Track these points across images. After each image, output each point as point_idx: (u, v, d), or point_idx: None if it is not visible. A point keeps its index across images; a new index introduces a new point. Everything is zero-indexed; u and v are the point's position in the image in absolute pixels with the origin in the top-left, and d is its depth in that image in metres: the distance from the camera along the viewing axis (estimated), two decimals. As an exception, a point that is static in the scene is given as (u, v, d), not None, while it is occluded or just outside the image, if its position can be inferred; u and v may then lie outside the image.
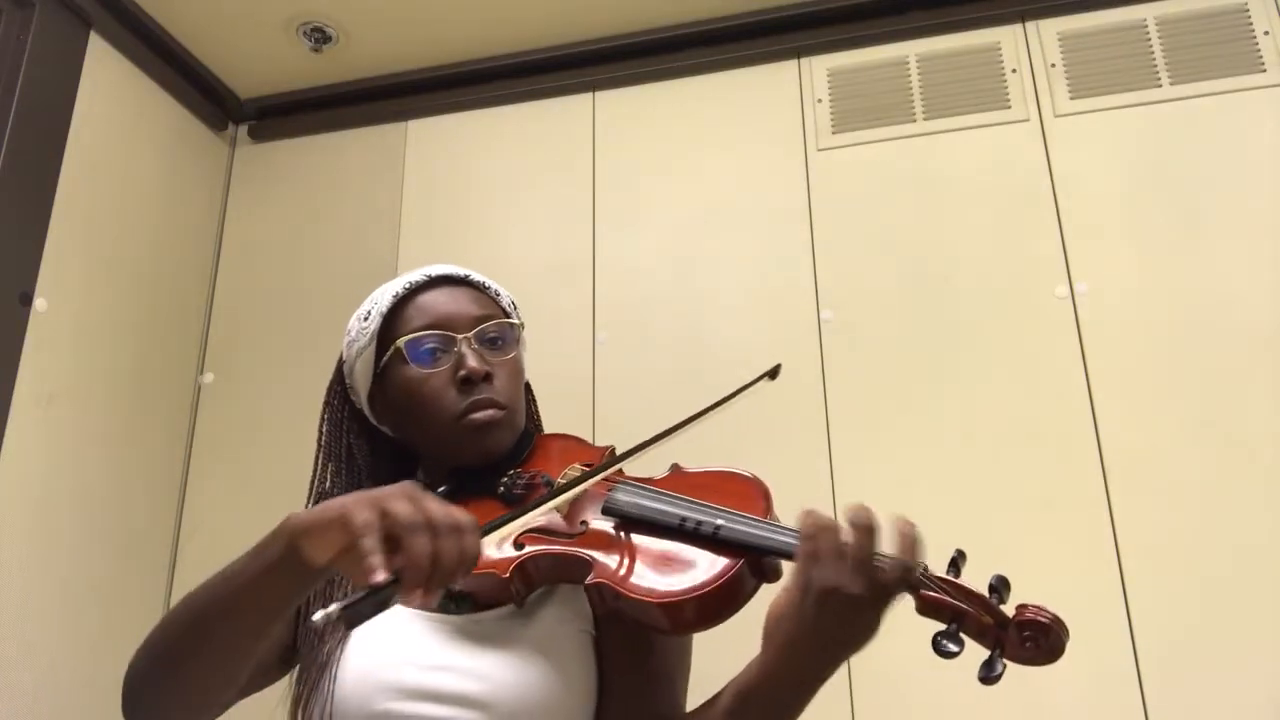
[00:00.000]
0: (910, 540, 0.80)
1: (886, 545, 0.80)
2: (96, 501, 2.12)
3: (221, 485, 2.35)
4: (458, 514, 0.72)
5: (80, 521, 2.07)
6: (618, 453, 0.99)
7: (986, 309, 2.06)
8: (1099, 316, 1.99)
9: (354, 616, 0.65)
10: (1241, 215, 1.98)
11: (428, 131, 2.55)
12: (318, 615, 0.65)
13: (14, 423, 1.92)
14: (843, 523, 0.80)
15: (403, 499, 0.71)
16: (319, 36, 2.45)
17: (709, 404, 1.01)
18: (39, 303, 2.01)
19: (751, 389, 1.03)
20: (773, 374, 1.04)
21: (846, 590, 0.78)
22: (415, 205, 2.48)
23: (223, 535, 2.26)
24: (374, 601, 0.66)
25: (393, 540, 0.69)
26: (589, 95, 2.47)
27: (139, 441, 2.26)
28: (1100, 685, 1.76)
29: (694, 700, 0.99)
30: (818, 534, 0.80)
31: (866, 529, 0.79)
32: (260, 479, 2.29)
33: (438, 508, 0.72)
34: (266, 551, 0.77)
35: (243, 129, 2.70)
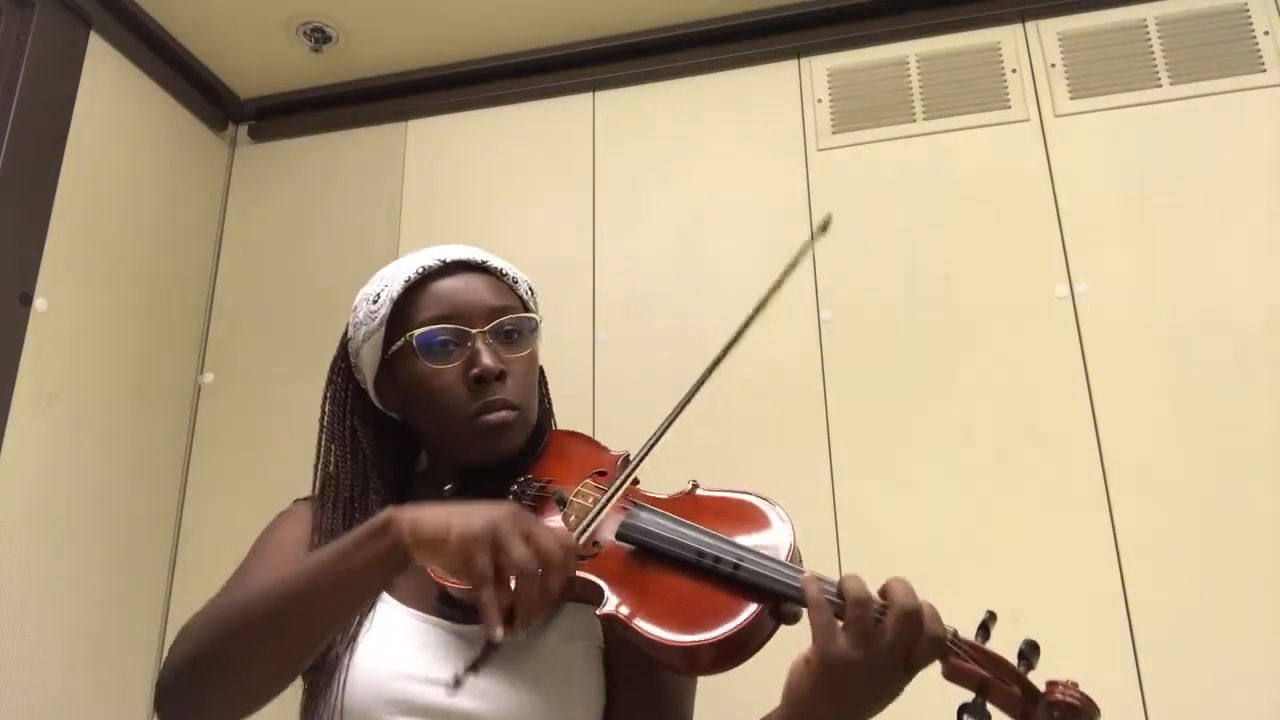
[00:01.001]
0: (935, 618, 0.77)
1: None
2: (96, 502, 2.12)
3: (221, 485, 2.35)
4: (563, 540, 0.74)
5: (80, 521, 2.07)
6: (631, 457, 0.95)
7: (986, 309, 2.06)
8: (1099, 316, 1.99)
9: (480, 667, 0.73)
10: (1241, 215, 1.98)
11: (428, 131, 2.55)
12: (451, 686, 0.74)
13: (14, 423, 1.92)
14: (874, 594, 0.77)
15: (519, 539, 0.72)
16: (319, 36, 2.45)
17: (748, 316, 0.97)
18: (39, 303, 2.01)
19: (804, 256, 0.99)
20: (824, 226, 1.01)
21: (876, 666, 0.76)
22: (415, 205, 2.48)
23: (223, 535, 2.26)
24: (492, 653, 0.73)
25: (504, 574, 0.72)
26: (589, 95, 2.47)
27: (139, 441, 2.26)
28: (1100, 686, 1.75)
29: (701, 709, 0.99)
30: (849, 608, 0.77)
31: (910, 614, 0.76)
32: (260, 479, 2.29)
33: (549, 542, 0.73)
34: (368, 548, 0.77)
35: (243, 129, 2.70)
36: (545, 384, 1.14)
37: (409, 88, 2.58)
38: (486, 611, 0.70)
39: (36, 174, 2.06)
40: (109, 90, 2.26)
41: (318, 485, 1.06)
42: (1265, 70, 2.05)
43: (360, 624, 0.93)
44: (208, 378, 2.47)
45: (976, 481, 1.94)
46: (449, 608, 0.93)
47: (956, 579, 1.71)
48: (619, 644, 0.94)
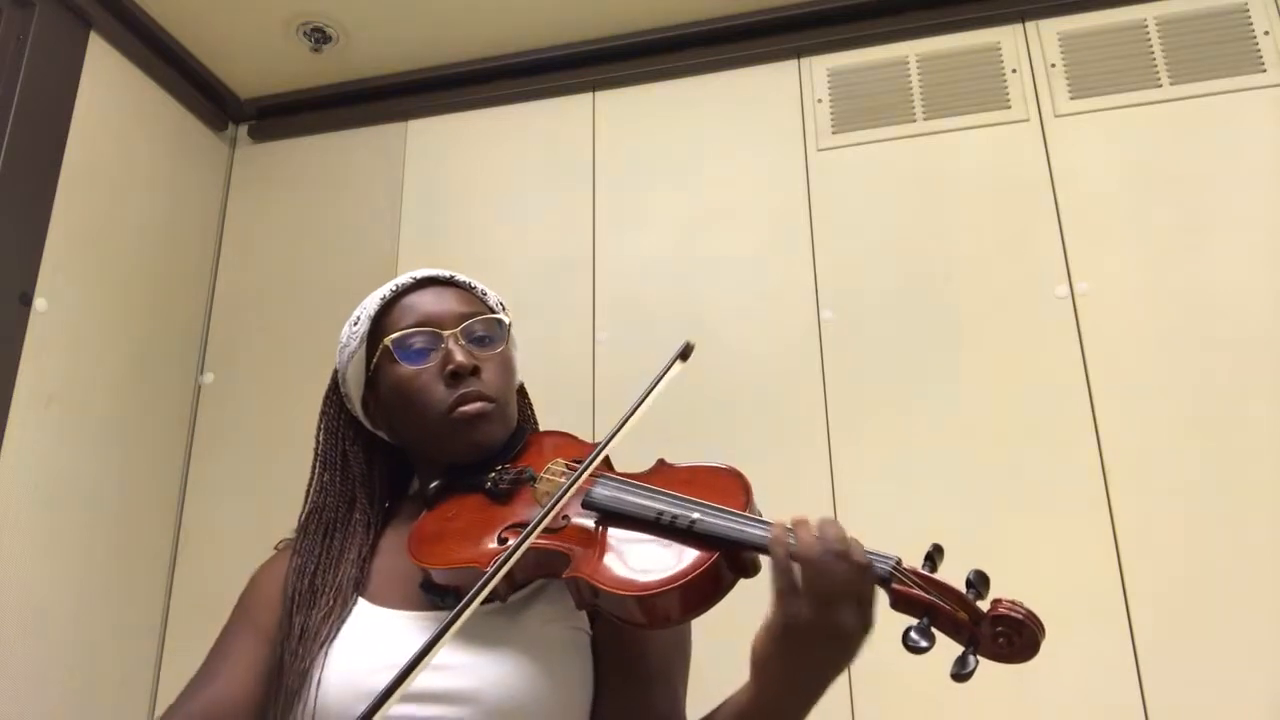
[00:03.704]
0: (860, 548, 0.81)
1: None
2: (96, 501, 2.12)
3: (221, 485, 2.35)
4: None
5: (80, 521, 2.07)
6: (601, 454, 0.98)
7: (986, 309, 2.06)
8: (1099, 316, 1.99)
9: None
10: (1241, 215, 1.98)
11: (428, 131, 2.55)
12: None
13: (14, 423, 1.92)
14: (814, 549, 0.80)
15: None
16: (319, 36, 2.45)
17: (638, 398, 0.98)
18: (39, 303, 2.01)
19: (668, 375, 1.01)
20: (684, 355, 1.01)
21: (835, 622, 0.78)
22: (415, 205, 2.48)
23: (223, 535, 2.26)
24: None
25: None
26: (589, 95, 2.47)
27: (139, 441, 2.26)
28: (1100, 684, 1.76)
29: (693, 703, 0.99)
30: (803, 568, 0.80)
31: (840, 556, 0.79)
32: (260, 479, 2.29)
33: None
34: None
35: (243, 129, 2.70)
36: (527, 396, 1.19)
37: (409, 88, 2.58)
38: None
39: (36, 174, 2.06)
40: (109, 90, 2.26)
41: (305, 510, 1.09)
42: (1265, 70, 2.05)
43: (338, 626, 0.95)
44: (208, 378, 2.47)
45: (976, 481, 1.94)
46: (435, 595, 0.94)
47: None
48: (604, 620, 0.96)
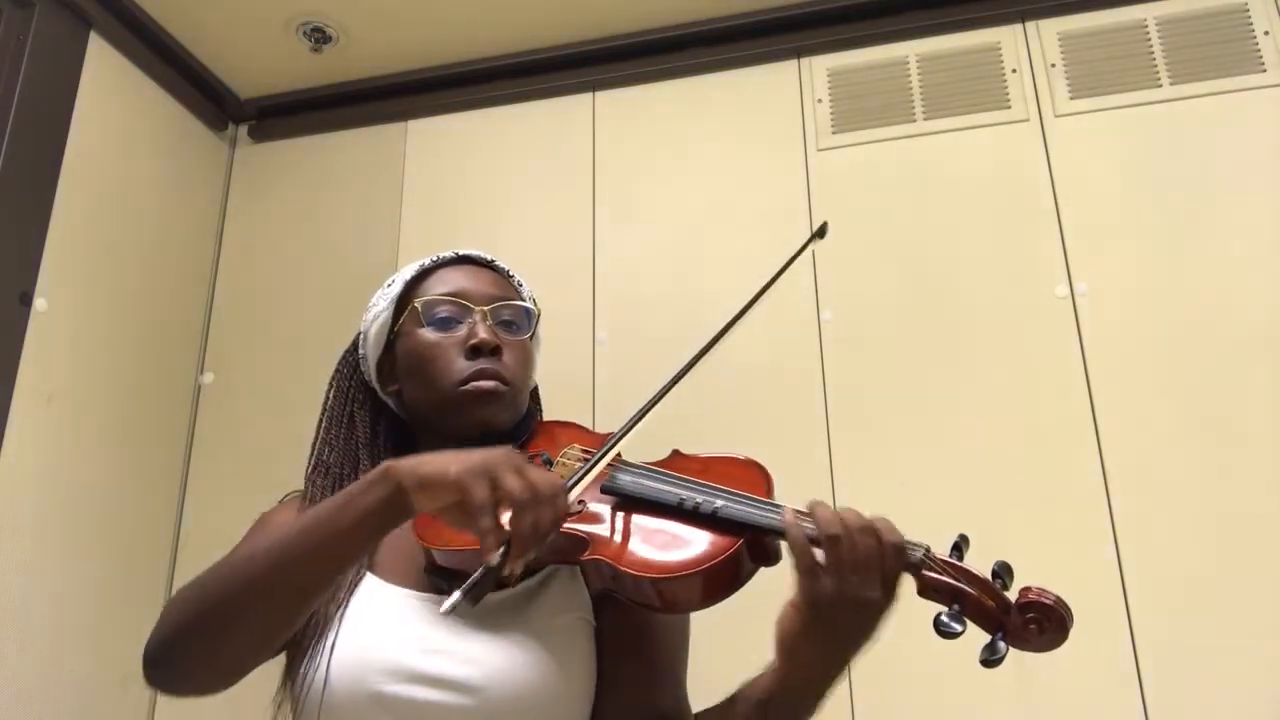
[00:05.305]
0: (891, 528, 0.83)
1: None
2: (96, 501, 2.12)
3: (221, 485, 2.35)
4: (555, 479, 0.79)
5: (80, 521, 2.07)
6: (617, 431, 0.98)
7: (986, 309, 2.06)
8: (1099, 316, 1.99)
9: (478, 596, 0.75)
10: (1241, 215, 1.98)
11: (428, 131, 2.55)
12: (445, 606, 0.73)
13: (14, 423, 1.92)
14: (837, 529, 0.81)
15: (513, 473, 0.77)
16: (319, 36, 2.45)
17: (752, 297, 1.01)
18: (39, 303, 2.01)
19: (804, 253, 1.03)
20: (820, 233, 1.04)
21: (859, 594, 0.80)
22: (415, 205, 2.48)
23: (223, 535, 2.24)
24: (492, 579, 0.75)
25: (500, 510, 0.76)
26: (589, 95, 2.47)
27: (139, 441, 2.26)
28: (1100, 685, 1.76)
29: (693, 695, 0.99)
30: (825, 544, 0.81)
31: (866, 531, 0.81)
32: (260, 479, 2.28)
33: (540, 478, 0.78)
34: (368, 496, 0.80)
35: (243, 129, 2.70)
36: (539, 400, 1.20)
37: (409, 88, 2.58)
38: (484, 538, 0.75)
39: (36, 174, 2.06)
40: (109, 90, 2.26)
41: (310, 465, 1.10)
42: (1265, 70, 2.05)
43: (347, 598, 0.94)
44: (208, 378, 2.47)
45: (976, 482, 1.94)
46: (439, 578, 0.94)
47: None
48: (609, 611, 0.96)
